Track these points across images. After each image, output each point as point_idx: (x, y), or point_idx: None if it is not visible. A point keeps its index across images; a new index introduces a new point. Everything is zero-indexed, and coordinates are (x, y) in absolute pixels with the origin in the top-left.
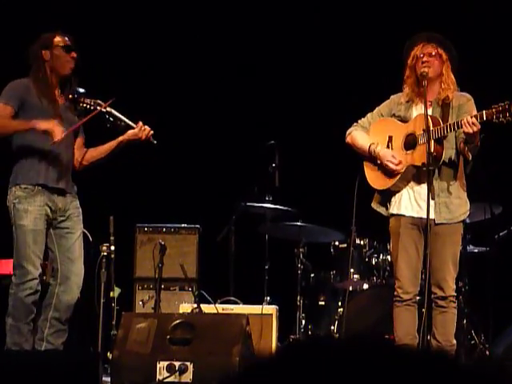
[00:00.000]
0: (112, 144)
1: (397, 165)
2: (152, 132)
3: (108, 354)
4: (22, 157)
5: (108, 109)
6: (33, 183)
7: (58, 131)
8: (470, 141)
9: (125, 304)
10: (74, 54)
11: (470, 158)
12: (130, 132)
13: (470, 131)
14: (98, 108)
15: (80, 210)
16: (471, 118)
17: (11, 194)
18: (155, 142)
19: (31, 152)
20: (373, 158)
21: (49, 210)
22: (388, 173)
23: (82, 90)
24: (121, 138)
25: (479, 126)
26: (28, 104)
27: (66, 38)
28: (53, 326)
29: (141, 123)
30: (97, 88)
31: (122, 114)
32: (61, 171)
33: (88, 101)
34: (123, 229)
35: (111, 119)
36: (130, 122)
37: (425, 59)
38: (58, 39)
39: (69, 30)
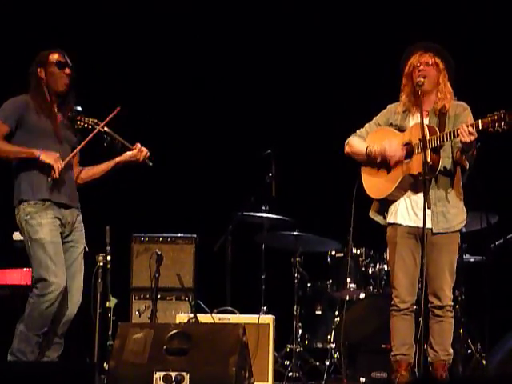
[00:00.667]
0: (109, 164)
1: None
2: (148, 154)
3: (104, 364)
4: (23, 174)
5: (106, 129)
6: (41, 198)
7: (59, 166)
8: (467, 149)
9: (121, 314)
10: (67, 71)
11: (467, 167)
12: (129, 153)
13: (468, 140)
14: (96, 128)
15: (83, 224)
16: (467, 126)
17: (20, 211)
18: (151, 163)
19: (31, 169)
20: (371, 162)
21: (59, 223)
22: (386, 179)
23: (79, 108)
24: (118, 159)
25: (476, 135)
26: (26, 122)
27: (61, 55)
28: (49, 339)
29: (139, 145)
30: (91, 105)
31: (118, 134)
32: (65, 187)
33: (86, 120)
34: (119, 239)
35: (108, 139)
36: (126, 143)
37: (421, 68)
38: (52, 56)
39: (65, 45)
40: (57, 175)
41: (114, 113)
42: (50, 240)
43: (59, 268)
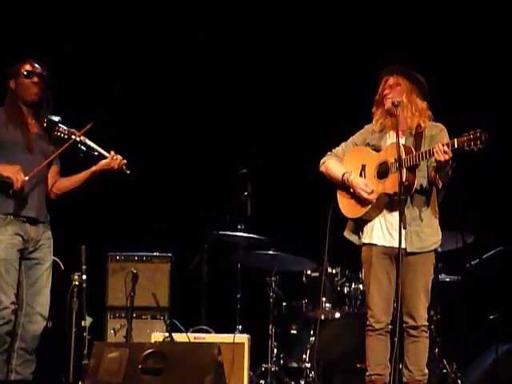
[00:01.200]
0: (85, 174)
1: (369, 194)
2: (125, 161)
3: (79, 383)
4: None
5: (82, 138)
6: (4, 212)
7: (19, 179)
8: (442, 169)
9: (96, 333)
10: (35, 79)
11: (441, 187)
12: (103, 162)
13: (442, 159)
14: (72, 137)
15: (51, 240)
16: (443, 145)
17: None
18: (128, 171)
19: (1, 181)
20: (346, 187)
21: (21, 239)
22: (361, 201)
23: (56, 119)
24: (93, 168)
25: (451, 154)
26: None
27: (31, 65)
28: (20, 356)
29: (113, 152)
30: (69, 116)
31: (96, 143)
32: (32, 200)
33: (62, 129)
34: (95, 257)
35: (84, 149)
36: (103, 152)
37: (385, 92)
38: (22, 67)
39: (45, 55)
40: (18, 187)
41: (88, 125)
42: (4, 258)
43: (9, 288)
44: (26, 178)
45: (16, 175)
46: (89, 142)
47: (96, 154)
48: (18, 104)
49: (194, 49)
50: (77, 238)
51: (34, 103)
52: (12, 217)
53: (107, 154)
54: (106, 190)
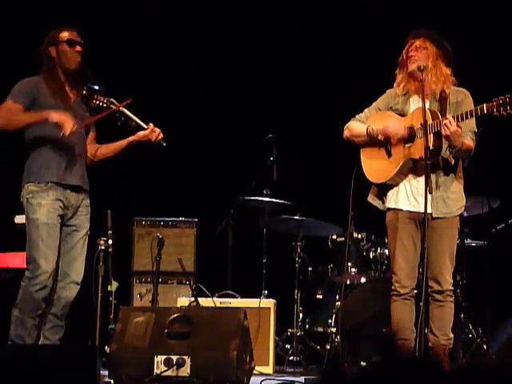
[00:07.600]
0: (122, 143)
1: (399, 130)
2: (161, 135)
3: (106, 347)
4: (33, 153)
5: (121, 109)
6: (46, 180)
7: (69, 124)
8: (451, 145)
9: (122, 298)
10: (78, 48)
11: (453, 163)
12: (141, 133)
13: (448, 133)
14: (112, 107)
15: (89, 208)
16: (447, 119)
17: (24, 190)
18: (164, 144)
19: (43, 148)
20: (373, 140)
21: (61, 205)
22: (386, 164)
23: (96, 87)
24: (131, 138)
25: (456, 129)
26: (39, 102)
27: (71, 32)
28: (50, 321)
29: (151, 125)
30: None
31: (134, 115)
32: (74, 167)
33: (102, 98)
34: (121, 222)
35: (123, 119)
36: (142, 123)
37: (411, 54)
38: (62, 34)
39: (77, 25)
40: (67, 132)
41: (128, 100)
42: (46, 222)
43: (50, 251)
44: (75, 127)
45: (68, 119)
46: (128, 113)
47: (134, 124)
48: (58, 72)
49: (218, 16)
50: (103, 203)
51: (75, 72)
52: (53, 183)
53: (145, 126)
54: (132, 154)
